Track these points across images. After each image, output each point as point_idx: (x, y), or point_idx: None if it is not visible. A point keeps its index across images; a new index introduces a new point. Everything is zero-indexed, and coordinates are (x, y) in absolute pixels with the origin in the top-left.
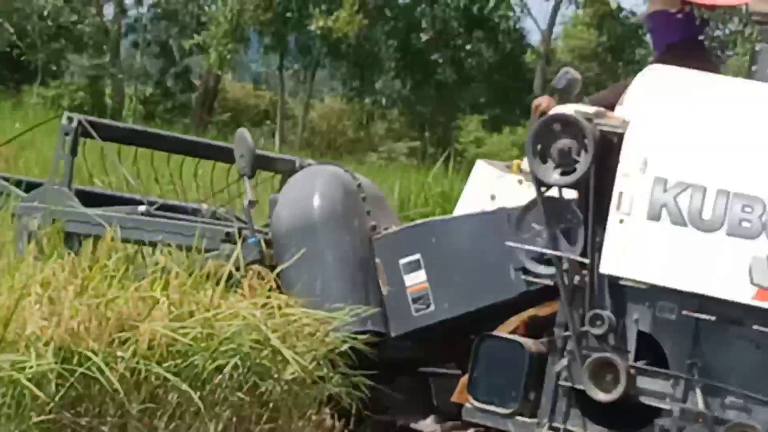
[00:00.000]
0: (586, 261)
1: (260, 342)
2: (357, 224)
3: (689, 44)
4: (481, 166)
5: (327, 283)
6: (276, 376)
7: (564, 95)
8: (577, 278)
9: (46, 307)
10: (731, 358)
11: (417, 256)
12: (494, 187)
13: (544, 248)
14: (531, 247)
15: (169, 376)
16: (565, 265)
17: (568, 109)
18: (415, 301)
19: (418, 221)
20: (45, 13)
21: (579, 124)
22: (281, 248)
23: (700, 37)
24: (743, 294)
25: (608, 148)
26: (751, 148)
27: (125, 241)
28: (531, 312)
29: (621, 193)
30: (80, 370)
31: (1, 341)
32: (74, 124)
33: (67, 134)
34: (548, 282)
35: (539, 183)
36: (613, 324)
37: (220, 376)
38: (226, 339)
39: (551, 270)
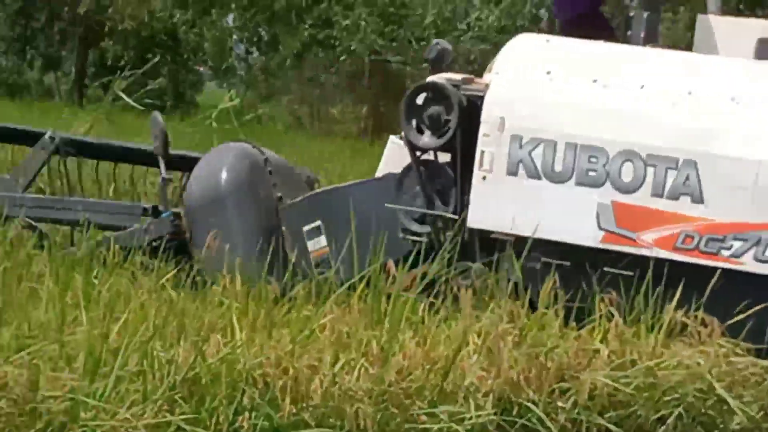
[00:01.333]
0: (456, 217)
1: (705, 391)
2: (263, 195)
3: (591, 16)
4: (393, 141)
5: (234, 250)
6: (722, 426)
7: (436, 65)
8: (449, 234)
9: (485, 357)
10: (591, 300)
11: (318, 223)
12: (405, 159)
13: (420, 208)
14: (407, 208)
15: (611, 426)
16: (440, 223)
17: (439, 77)
18: (317, 265)
19: (318, 190)
20: None
21: (445, 91)
22: (193, 220)
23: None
24: (592, 239)
25: (474, 112)
26: (595, 103)
27: (42, 220)
28: (422, 269)
29: (482, 152)
30: (520, 421)
31: (439, 392)
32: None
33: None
34: (425, 240)
35: (413, 147)
36: (482, 275)
37: (663, 427)
38: (670, 388)
39: (428, 229)
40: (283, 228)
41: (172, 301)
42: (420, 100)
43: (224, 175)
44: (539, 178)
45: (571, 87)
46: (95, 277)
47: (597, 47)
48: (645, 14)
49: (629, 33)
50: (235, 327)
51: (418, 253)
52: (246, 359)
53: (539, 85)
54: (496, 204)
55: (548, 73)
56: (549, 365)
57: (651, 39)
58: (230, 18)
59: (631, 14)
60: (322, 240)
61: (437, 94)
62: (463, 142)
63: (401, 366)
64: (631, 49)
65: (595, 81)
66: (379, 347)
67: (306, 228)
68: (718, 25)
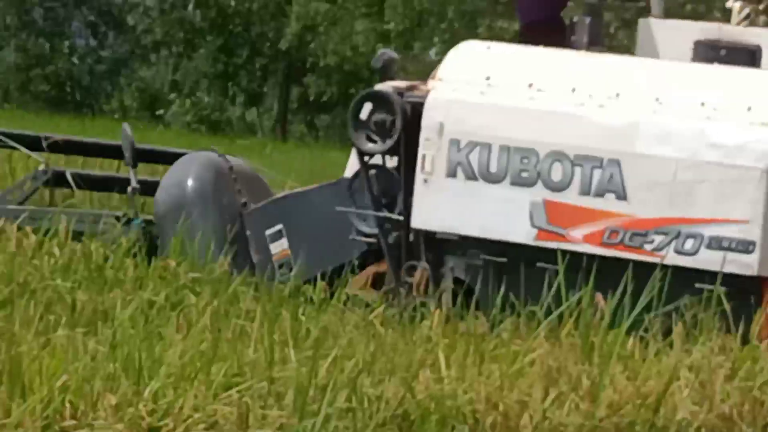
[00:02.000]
0: (401, 218)
1: None
2: (226, 202)
3: (551, 22)
4: None
5: (199, 254)
6: None
7: (383, 74)
8: (395, 235)
9: (696, 392)
10: (532, 296)
11: (280, 227)
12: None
13: (368, 211)
14: (356, 210)
15: None
16: (387, 225)
17: (386, 85)
18: (280, 267)
19: (279, 195)
20: None
21: (389, 98)
22: (161, 227)
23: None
24: (526, 236)
25: (417, 118)
26: (529, 106)
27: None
28: (373, 268)
29: (424, 156)
30: None
31: (651, 427)
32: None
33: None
34: (374, 240)
35: (360, 152)
36: (427, 273)
37: None
38: None
39: (376, 230)
40: (248, 232)
41: (381, 337)
42: (366, 107)
43: (190, 183)
44: (476, 179)
45: (507, 91)
46: (303, 314)
47: (536, 53)
48: (587, 19)
49: (573, 38)
50: (444, 363)
51: (371, 253)
52: (455, 395)
53: (477, 90)
54: (438, 205)
55: (487, 78)
56: (763, 399)
57: (594, 43)
58: (432, 52)
59: (575, 19)
60: (284, 243)
61: (382, 101)
62: (408, 146)
63: (612, 400)
64: (568, 54)
65: (530, 85)
66: (589, 381)
67: (268, 232)
68: (659, 28)
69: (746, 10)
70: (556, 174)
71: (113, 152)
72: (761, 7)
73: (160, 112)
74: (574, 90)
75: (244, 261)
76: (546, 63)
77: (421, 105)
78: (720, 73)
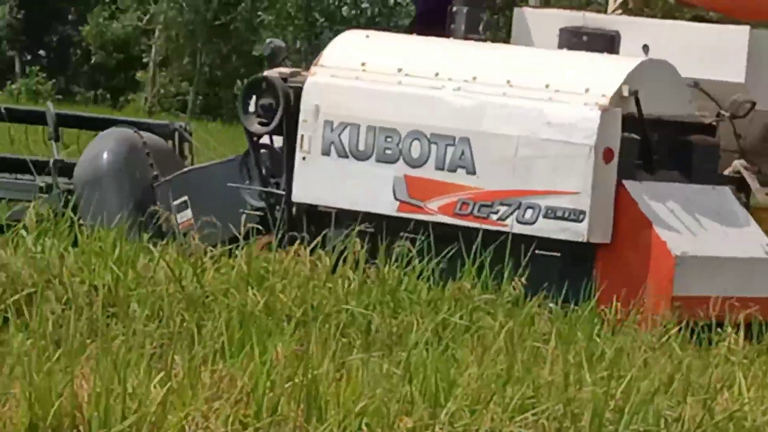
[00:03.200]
0: (283, 193)
1: None
2: (139, 174)
3: (439, 13)
4: None
5: (110, 222)
6: None
7: (271, 61)
8: (279, 208)
9: None
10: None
11: (185, 198)
12: None
13: (256, 186)
14: (245, 186)
15: None
16: (272, 199)
17: (273, 72)
18: (185, 235)
19: (185, 169)
20: None
21: (274, 84)
22: (79, 197)
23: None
24: (390, 208)
25: (298, 101)
26: (394, 90)
27: None
28: (266, 239)
29: (302, 136)
30: None
31: None
32: None
33: None
34: (261, 213)
35: (249, 133)
36: (307, 243)
37: None
38: None
39: (263, 204)
40: (158, 202)
41: (677, 357)
42: (254, 92)
43: (105, 156)
44: (347, 157)
45: (379, 76)
46: (597, 335)
47: (408, 41)
48: (465, 9)
49: (452, 27)
50: (743, 383)
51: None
52: (755, 416)
53: (353, 75)
54: (314, 181)
55: (363, 64)
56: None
57: (472, 32)
58: None
59: (454, 9)
60: (189, 213)
61: (267, 86)
62: (290, 128)
63: None
64: (437, 42)
65: (399, 70)
66: None
67: (175, 202)
68: (531, 17)
69: (618, 1)
70: (415, 151)
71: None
72: None
73: None
74: (437, 74)
75: (148, 228)
76: (416, 50)
77: (301, 89)
78: (568, 58)
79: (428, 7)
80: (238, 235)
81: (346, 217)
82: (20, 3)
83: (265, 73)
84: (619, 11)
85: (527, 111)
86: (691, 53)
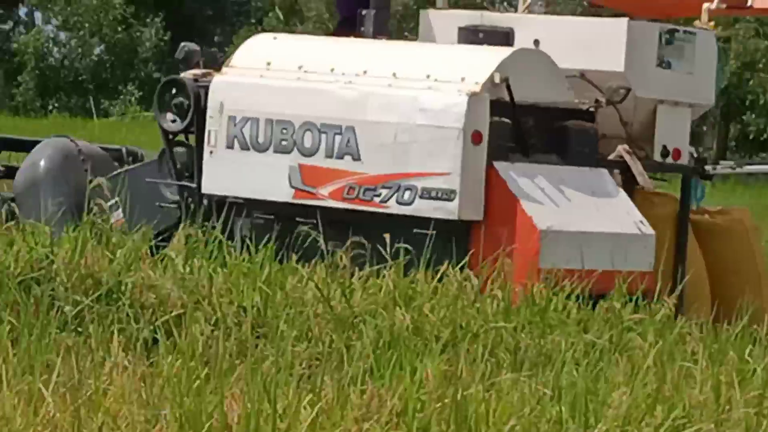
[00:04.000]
0: (194, 185)
1: None
2: (74, 179)
3: (355, 18)
4: None
5: (47, 223)
6: None
7: (185, 64)
8: (192, 200)
9: None
10: (296, 248)
11: (117, 199)
12: None
13: (171, 181)
14: (161, 181)
15: None
16: (186, 193)
17: (187, 74)
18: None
19: (115, 172)
20: None
21: (185, 84)
22: (19, 202)
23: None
24: (287, 195)
25: (207, 99)
26: (292, 85)
27: None
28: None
29: (209, 131)
30: None
31: None
32: None
33: None
34: (175, 206)
35: (164, 131)
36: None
37: None
38: None
39: (177, 197)
40: (93, 204)
41: None
42: (168, 92)
43: (42, 164)
44: (248, 149)
45: (281, 74)
46: (749, 355)
47: (311, 41)
48: (372, 12)
49: (361, 29)
50: None
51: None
52: None
53: (258, 74)
54: (221, 173)
55: (268, 64)
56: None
57: (380, 32)
58: None
59: (363, 12)
60: (120, 213)
61: (179, 87)
62: (200, 124)
63: None
64: (337, 41)
65: (300, 68)
66: None
67: (109, 203)
68: (434, 17)
69: (529, 1)
70: (308, 141)
71: None
72: None
73: None
74: (332, 70)
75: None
76: (317, 49)
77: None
78: (450, 51)
79: (349, 14)
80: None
81: (251, 207)
82: (167, 25)
83: (182, 75)
84: (527, 11)
85: (405, 100)
86: (576, 45)
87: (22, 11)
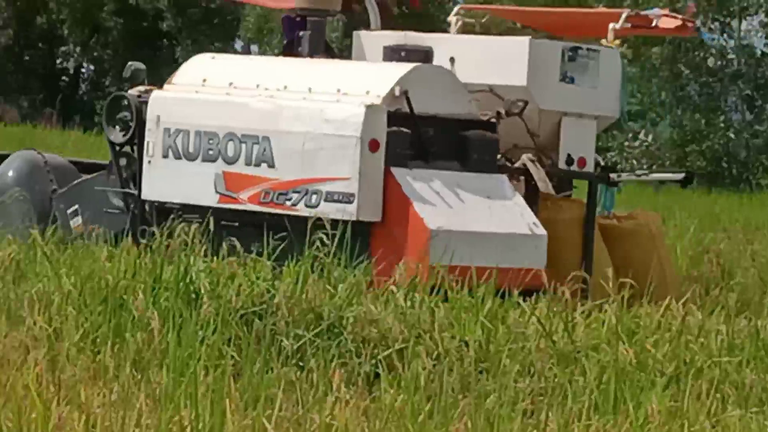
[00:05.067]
0: (135, 192)
1: None
2: (39, 188)
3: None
4: None
5: (12, 227)
6: None
7: (131, 80)
8: (135, 206)
9: None
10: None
11: (76, 206)
12: None
13: (116, 188)
14: (107, 189)
15: None
16: (129, 200)
17: (133, 90)
18: (78, 238)
19: (76, 181)
20: None
21: (128, 100)
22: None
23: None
24: (213, 200)
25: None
26: (220, 99)
27: None
28: None
29: (148, 142)
30: None
31: None
32: None
33: None
34: (121, 212)
35: (111, 143)
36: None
37: None
38: None
39: (122, 204)
40: (56, 212)
41: None
42: (114, 107)
43: (10, 174)
44: (181, 158)
45: (213, 90)
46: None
47: (244, 60)
48: (308, 34)
49: (299, 49)
50: None
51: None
52: None
53: (193, 90)
54: (158, 181)
55: (204, 80)
56: None
57: (315, 52)
58: None
59: (301, 34)
60: (79, 219)
61: (124, 102)
62: (141, 136)
63: None
64: (267, 59)
65: (230, 84)
66: None
67: (69, 210)
68: (364, 38)
69: (460, 23)
70: (230, 151)
71: None
72: (483, 20)
73: None
74: (258, 86)
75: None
76: (249, 67)
77: None
78: (362, 67)
79: (293, 37)
80: None
81: (185, 211)
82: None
83: (130, 91)
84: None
85: (313, 111)
86: (486, 62)
87: (238, 45)
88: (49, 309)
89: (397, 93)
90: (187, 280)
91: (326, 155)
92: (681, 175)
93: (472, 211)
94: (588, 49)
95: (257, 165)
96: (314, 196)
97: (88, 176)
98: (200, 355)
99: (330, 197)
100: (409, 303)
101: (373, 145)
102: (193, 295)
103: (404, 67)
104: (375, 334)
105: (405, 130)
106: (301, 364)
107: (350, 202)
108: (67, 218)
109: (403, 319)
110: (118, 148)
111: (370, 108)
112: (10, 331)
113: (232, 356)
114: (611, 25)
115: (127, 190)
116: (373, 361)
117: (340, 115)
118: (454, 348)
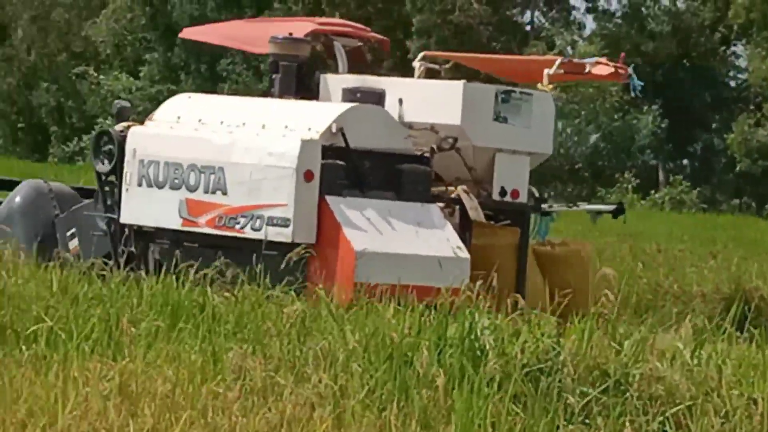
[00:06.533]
0: (115, 216)
1: None
2: (42, 213)
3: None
4: None
5: (20, 248)
6: None
7: (118, 117)
8: (115, 229)
9: None
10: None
11: (74, 230)
12: None
13: (100, 213)
14: (93, 213)
15: None
16: (112, 224)
17: (117, 126)
18: (76, 259)
19: (74, 207)
20: None
21: (112, 135)
22: (1, 231)
23: None
24: (177, 224)
25: None
26: (188, 134)
27: None
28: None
29: (126, 172)
30: None
31: None
32: None
33: None
34: (105, 234)
35: (97, 173)
36: (133, 256)
37: None
38: None
39: (105, 228)
40: (57, 234)
41: None
42: (100, 141)
43: (17, 200)
44: (152, 186)
45: (185, 126)
46: None
47: (213, 99)
48: (278, 76)
49: (273, 90)
50: None
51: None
52: None
53: (168, 126)
54: (134, 206)
55: (178, 117)
56: None
57: (285, 93)
58: None
59: (273, 77)
60: (76, 241)
61: (108, 137)
62: (121, 167)
63: None
64: (234, 98)
65: (199, 121)
66: None
67: (67, 233)
68: (330, 80)
69: (423, 68)
70: (192, 180)
71: None
72: (447, 66)
73: None
74: (222, 122)
75: (49, 255)
76: (217, 106)
77: None
78: (310, 106)
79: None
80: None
81: (156, 234)
82: (664, 112)
83: (115, 127)
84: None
85: (261, 145)
86: (427, 103)
87: None
88: (335, 366)
89: (333, 129)
90: (472, 337)
91: (269, 184)
92: (612, 207)
93: (400, 235)
94: (521, 92)
95: (213, 192)
96: (258, 221)
97: (83, 203)
98: (486, 413)
99: (271, 221)
100: (695, 360)
101: (308, 176)
102: (478, 352)
103: (342, 107)
104: (661, 391)
105: (339, 162)
106: (587, 421)
107: (287, 226)
108: (66, 240)
109: (690, 376)
110: (103, 177)
111: (305, 142)
112: (296, 387)
113: (518, 413)
114: (546, 71)
115: (109, 215)
116: (661, 419)
117: (280, 149)
118: (742, 405)
